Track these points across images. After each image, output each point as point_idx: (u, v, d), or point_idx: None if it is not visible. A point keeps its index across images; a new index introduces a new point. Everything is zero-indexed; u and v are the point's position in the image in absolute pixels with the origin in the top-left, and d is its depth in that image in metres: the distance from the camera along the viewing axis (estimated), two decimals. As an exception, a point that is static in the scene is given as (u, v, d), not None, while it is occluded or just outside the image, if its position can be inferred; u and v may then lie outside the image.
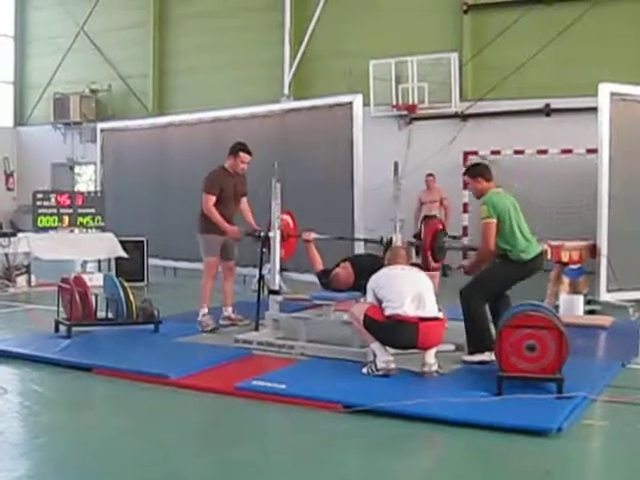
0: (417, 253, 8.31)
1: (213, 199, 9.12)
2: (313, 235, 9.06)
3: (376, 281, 7.20)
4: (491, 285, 7.60)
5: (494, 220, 7.44)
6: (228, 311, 9.55)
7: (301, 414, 5.94)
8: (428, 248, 8.09)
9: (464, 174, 8.19)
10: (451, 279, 14.92)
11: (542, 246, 7.93)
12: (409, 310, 6.86)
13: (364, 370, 6.99)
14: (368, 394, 6.12)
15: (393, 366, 6.90)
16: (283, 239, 8.92)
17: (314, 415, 5.90)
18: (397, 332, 6.87)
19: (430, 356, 6.99)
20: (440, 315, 7.04)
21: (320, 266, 9.01)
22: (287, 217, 9.13)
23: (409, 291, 6.97)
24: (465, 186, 14.53)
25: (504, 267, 7.59)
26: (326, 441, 5.46)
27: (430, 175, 16.13)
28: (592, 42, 16.02)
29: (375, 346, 7.00)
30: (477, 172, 7.88)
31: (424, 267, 8.00)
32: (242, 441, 5.44)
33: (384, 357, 6.93)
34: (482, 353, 7.32)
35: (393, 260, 7.53)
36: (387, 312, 6.91)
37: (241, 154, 9.24)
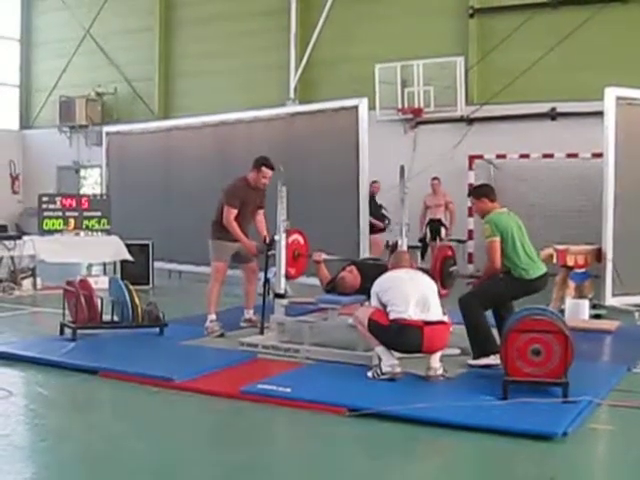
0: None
1: (235, 212, 9.00)
2: (323, 256, 8.99)
3: (380, 285, 7.19)
4: (491, 298, 7.65)
5: (498, 238, 7.52)
6: (249, 313, 9.51)
7: (306, 418, 5.94)
8: (438, 274, 8.13)
9: (469, 195, 8.38)
10: (460, 284, 14.97)
11: (545, 266, 7.95)
12: (413, 314, 6.86)
13: (369, 374, 6.98)
14: (373, 398, 6.13)
15: (399, 370, 6.89)
16: (294, 258, 8.89)
17: (319, 419, 5.90)
18: (402, 336, 6.86)
19: (435, 360, 6.98)
20: (445, 319, 7.04)
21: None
22: (298, 236, 9.05)
23: (413, 294, 6.96)
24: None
25: (507, 283, 7.64)
26: (331, 445, 5.46)
27: (435, 179, 16.12)
28: (598, 46, 15.99)
29: (380, 350, 6.99)
30: (482, 193, 8.01)
31: None
32: (247, 444, 5.43)
33: (389, 361, 6.92)
34: (487, 357, 7.31)
35: (397, 264, 7.54)
36: (392, 316, 6.91)
37: (263, 169, 9.09)
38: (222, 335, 9.01)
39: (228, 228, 9.04)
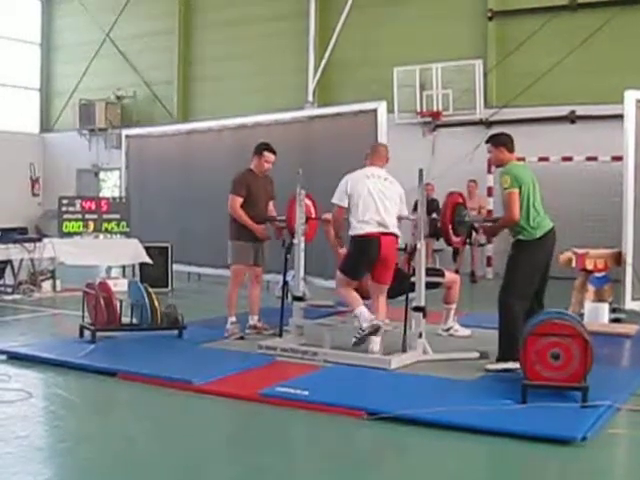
0: (436, 234, 8.35)
1: (239, 200, 9.03)
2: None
3: (347, 183, 8.10)
4: (522, 279, 7.38)
5: (517, 190, 7.35)
6: (254, 320, 9.39)
7: (325, 421, 5.94)
8: (448, 222, 7.90)
9: (487, 141, 7.95)
10: (481, 286, 14.93)
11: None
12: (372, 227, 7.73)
13: (353, 340, 7.49)
14: (392, 401, 6.11)
15: (376, 322, 7.48)
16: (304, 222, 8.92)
17: (338, 422, 5.89)
18: (363, 250, 7.78)
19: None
20: (397, 232, 7.76)
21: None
22: (308, 201, 9.07)
23: (373, 205, 7.76)
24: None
25: (523, 255, 7.42)
26: (350, 448, 5.46)
27: (472, 181, 16.02)
28: (617, 49, 15.94)
29: (358, 311, 7.51)
30: (501, 141, 7.76)
31: (445, 241, 8.18)
32: (266, 448, 5.44)
33: (368, 317, 7.49)
34: (506, 362, 7.26)
35: (371, 159, 8.30)
36: (352, 232, 7.84)
37: (265, 153, 9.16)
38: (242, 338, 9.00)
39: (235, 216, 9.05)
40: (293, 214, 8.89)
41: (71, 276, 13.35)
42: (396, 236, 7.98)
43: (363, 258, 7.96)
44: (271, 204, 9.44)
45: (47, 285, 13.19)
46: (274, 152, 9.23)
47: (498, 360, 7.36)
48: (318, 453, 5.45)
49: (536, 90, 16.77)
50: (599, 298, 10.43)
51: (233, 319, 9.15)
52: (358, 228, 7.89)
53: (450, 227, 7.91)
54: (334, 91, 19.41)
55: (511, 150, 7.70)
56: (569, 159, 15.69)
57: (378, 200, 7.93)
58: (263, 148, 9.22)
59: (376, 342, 7.73)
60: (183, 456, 5.15)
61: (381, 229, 7.88)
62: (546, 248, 7.47)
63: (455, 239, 8.05)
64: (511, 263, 7.53)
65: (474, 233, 14.71)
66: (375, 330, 7.57)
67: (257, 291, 9.47)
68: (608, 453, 5.39)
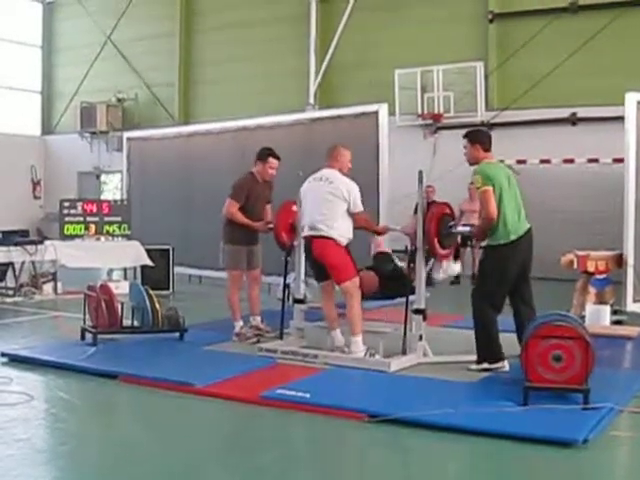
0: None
1: (236, 205, 8.98)
2: None
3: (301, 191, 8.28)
4: (491, 283, 7.34)
5: (490, 187, 7.27)
6: (257, 320, 9.33)
7: (326, 423, 5.94)
8: (434, 235, 7.77)
9: (464, 136, 7.86)
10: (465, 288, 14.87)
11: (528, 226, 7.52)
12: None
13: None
14: (393, 403, 6.10)
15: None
16: (293, 230, 8.94)
17: (339, 424, 5.89)
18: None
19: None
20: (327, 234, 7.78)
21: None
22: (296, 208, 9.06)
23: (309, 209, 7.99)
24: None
25: (493, 264, 7.36)
26: (351, 451, 5.47)
27: (473, 183, 16.00)
28: (618, 51, 15.95)
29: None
30: (477, 139, 7.68)
31: (432, 254, 7.87)
32: (267, 450, 5.44)
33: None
34: (483, 363, 7.33)
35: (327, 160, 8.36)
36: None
37: (270, 159, 9.10)
38: (258, 341, 8.85)
39: (233, 219, 9.00)
40: (282, 221, 8.94)
41: (72, 279, 13.35)
42: (327, 237, 7.86)
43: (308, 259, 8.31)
44: (267, 207, 9.41)
45: (48, 288, 13.19)
46: (278, 158, 9.18)
47: (477, 362, 7.40)
48: (319, 455, 5.45)
49: (537, 92, 16.77)
50: (600, 300, 10.43)
51: (240, 323, 9.12)
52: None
53: (436, 240, 7.81)
54: (335, 93, 19.42)
55: (487, 149, 7.64)
56: (570, 161, 15.70)
57: (310, 202, 8.08)
58: (268, 154, 9.15)
59: (337, 334, 8.07)
60: (184, 458, 5.15)
61: (312, 232, 7.95)
62: (521, 253, 7.37)
63: (442, 251, 7.91)
64: (481, 269, 7.56)
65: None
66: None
67: (256, 292, 9.43)
68: (610, 455, 5.39)
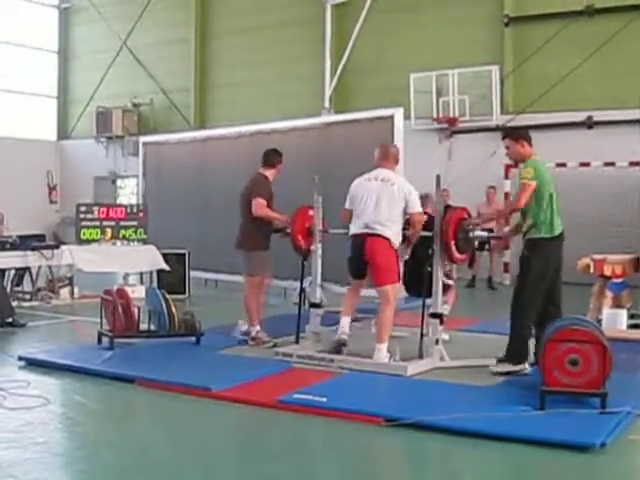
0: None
1: (265, 203, 8.98)
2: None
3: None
4: (534, 282, 7.31)
5: (534, 184, 7.27)
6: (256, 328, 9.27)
7: (343, 427, 5.93)
8: (451, 239, 7.77)
9: (503, 137, 7.79)
10: (499, 293, 14.85)
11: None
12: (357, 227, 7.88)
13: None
14: (410, 408, 6.10)
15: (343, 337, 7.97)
16: (308, 232, 8.98)
17: (356, 429, 5.89)
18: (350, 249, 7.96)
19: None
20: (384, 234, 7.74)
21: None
22: (313, 212, 9.07)
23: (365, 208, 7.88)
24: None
25: (536, 255, 7.32)
26: (368, 455, 5.46)
27: (492, 187, 15.99)
28: (634, 54, 15.89)
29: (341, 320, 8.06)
30: (520, 135, 7.62)
31: (448, 259, 7.92)
32: (284, 454, 5.44)
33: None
34: (507, 362, 7.32)
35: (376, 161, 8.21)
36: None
37: (281, 165, 9.27)
38: (275, 345, 8.84)
39: (264, 217, 8.98)
40: (299, 226, 8.96)
41: (89, 283, 13.41)
42: (383, 237, 7.84)
43: (350, 256, 8.15)
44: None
45: (65, 292, 13.25)
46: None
47: (500, 361, 7.39)
48: (335, 460, 5.44)
49: (553, 96, 16.72)
50: (617, 304, 10.38)
51: (258, 327, 9.12)
52: (350, 229, 8.11)
53: (453, 244, 7.81)
54: (350, 97, 19.42)
55: (531, 144, 7.59)
56: (587, 165, 15.64)
57: (369, 202, 7.98)
58: (280, 158, 9.26)
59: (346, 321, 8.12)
60: (200, 463, 5.16)
61: (366, 230, 7.89)
62: (559, 250, 7.45)
63: (458, 256, 7.92)
64: (524, 265, 7.46)
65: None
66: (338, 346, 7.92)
67: (263, 299, 9.52)
68: (628, 459, 5.36)
